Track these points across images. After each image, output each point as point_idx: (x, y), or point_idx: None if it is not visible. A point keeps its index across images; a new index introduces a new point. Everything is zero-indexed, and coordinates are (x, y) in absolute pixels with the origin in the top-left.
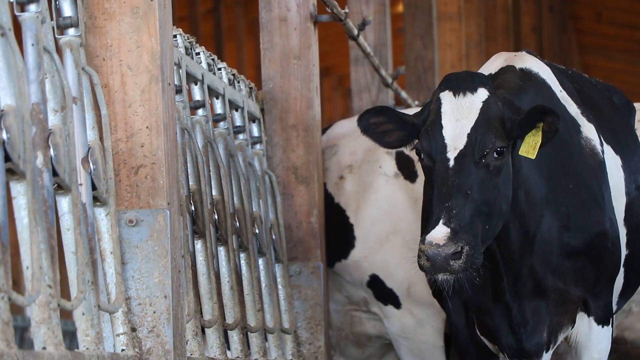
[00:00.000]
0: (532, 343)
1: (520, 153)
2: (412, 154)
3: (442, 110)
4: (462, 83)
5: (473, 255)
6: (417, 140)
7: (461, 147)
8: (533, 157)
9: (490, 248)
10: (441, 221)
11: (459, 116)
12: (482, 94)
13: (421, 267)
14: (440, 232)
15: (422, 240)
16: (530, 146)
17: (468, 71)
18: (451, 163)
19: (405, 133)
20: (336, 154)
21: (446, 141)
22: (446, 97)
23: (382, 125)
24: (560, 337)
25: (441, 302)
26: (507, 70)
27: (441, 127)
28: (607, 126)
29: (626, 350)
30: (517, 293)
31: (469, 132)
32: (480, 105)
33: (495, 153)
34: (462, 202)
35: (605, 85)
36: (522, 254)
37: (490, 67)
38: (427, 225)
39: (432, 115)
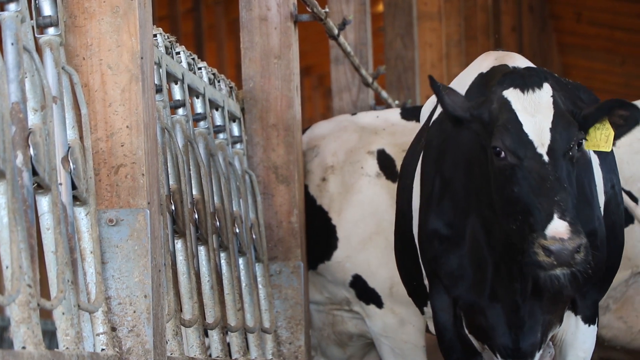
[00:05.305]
0: (528, 343)
1: (587, 147)
2: (393, 154)
3: (514, 107)
4: (527, 79)
5: (589, 247)
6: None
7: (547, 142)
8: (608, 149)
9: (515, 245)
10: (555, 215)
11: (533, 112)
12: (548, 89)
13: (537, 264)
14: (562, 227)
15: (542, 236)
16: (601, 140)
17: (528, 67)
18: (546, 158)
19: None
20: (317, 155)
21: (530, 137)
22: (513, 94)
23: None
24: (549, 336)
25: (417, 302)
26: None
27: (520, 124)
28: None
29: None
30: (524, 292)
31: (550, 126)
32: (550, 100)
33: (577, 145)
34: (565, 195)
35: (575, 84)
36: None
37: (481, 66)
38: (533, 222)
39: (502, 113)
